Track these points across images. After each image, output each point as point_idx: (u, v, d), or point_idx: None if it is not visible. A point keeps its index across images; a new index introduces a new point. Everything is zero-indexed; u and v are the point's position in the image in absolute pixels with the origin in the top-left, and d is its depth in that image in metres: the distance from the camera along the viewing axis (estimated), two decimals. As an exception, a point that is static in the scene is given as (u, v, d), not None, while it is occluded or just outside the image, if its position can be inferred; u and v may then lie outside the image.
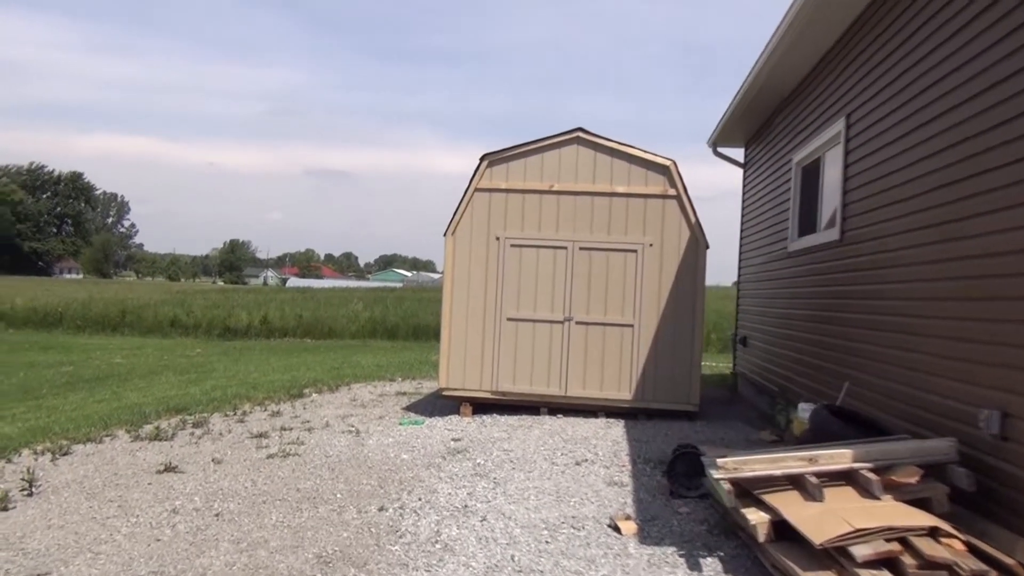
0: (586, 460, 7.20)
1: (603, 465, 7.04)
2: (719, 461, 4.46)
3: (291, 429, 8.69)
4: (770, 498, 4.33)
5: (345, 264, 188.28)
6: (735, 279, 12.86)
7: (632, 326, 9.46)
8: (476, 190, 9.70)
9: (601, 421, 9.34)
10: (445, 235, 9.76)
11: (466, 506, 5.72)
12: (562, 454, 7.48)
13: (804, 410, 6.06)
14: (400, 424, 9.10)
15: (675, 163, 9.45)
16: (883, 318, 6.08)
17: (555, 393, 9.56)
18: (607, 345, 9.50)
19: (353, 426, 8.88)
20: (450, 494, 6.04)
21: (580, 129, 9.57)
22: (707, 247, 9.42)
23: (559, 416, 9.52)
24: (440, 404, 10.67)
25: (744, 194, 12.60)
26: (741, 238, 12.69)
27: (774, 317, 10.00)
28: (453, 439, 8.18)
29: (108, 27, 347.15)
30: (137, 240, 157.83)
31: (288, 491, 6.13)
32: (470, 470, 6.83)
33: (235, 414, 9.75)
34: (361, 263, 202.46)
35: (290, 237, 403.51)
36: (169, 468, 6.79)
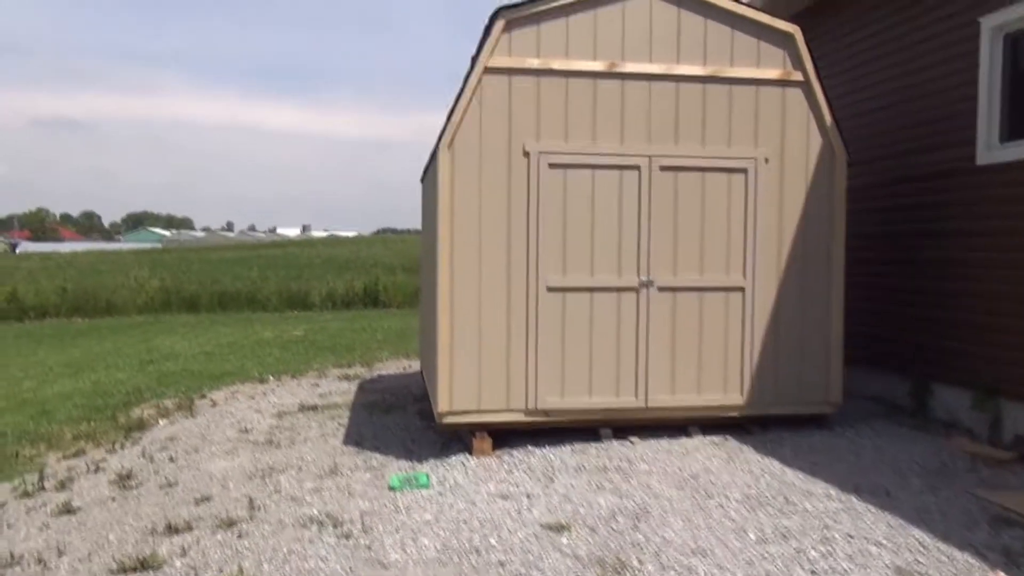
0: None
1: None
2: None
3: (190, 529, 4.35)
4: None
5: (87, 225, 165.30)
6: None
7: (742, 290, 5.98)
8: (487, 70, 5.60)
9: (704, 442, 5.83)
10: (437, 149, 5.63)
11: None
12: (816, 552, 3.87)
13: None
14: (391, 488, 5.02)
15: (800, 30, 5.99)
16: None
17: (628, 405, 5.87)
18: (706, 322, 5.94)
19: (312, 508, 4.66)
20: None
21: (654, -31, 5.79)
22: (848, 162, 6.12)
23: (632, 441, 5.86)
24: (395, 423, 6.68)
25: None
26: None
27: (915, 264, 6.84)
28: (552, 527, 4.28)
29: None
30: None
31: None
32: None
33: (41, 487, 5.22)
34: (106, 223, 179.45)
35: (16, 196, 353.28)
36: None
